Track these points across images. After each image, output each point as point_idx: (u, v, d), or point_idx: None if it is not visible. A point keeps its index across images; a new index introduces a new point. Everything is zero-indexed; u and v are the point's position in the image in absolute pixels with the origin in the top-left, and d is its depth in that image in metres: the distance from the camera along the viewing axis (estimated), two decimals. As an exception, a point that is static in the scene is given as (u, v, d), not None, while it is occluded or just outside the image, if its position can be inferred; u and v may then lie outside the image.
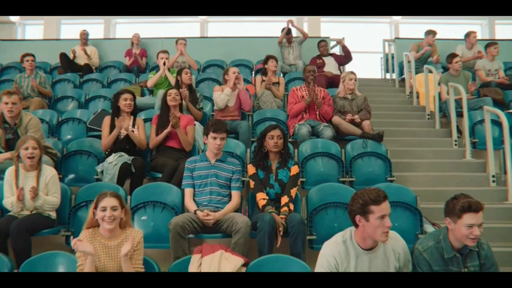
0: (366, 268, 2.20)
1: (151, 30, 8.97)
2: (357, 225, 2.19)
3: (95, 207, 2.56)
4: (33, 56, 5.67)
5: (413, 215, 3.34)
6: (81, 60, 6.93)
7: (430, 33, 6.84)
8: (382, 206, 2.10)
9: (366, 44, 9.53)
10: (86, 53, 6.91)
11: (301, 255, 2.89)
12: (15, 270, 2.72)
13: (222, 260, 2.64)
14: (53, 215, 3.34)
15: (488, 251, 2.32)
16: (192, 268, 2.63)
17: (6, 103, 3.75)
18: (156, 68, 6.60)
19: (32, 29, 9.37)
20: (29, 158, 3.23)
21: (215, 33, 9.30)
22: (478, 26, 9.55)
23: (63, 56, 6.76)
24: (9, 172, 3.28)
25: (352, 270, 2.19)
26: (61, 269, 2.71)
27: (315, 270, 2.30)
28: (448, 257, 2.26)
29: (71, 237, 3.13)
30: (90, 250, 2.43)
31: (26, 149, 3.24)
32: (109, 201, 2.52)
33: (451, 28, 9.15)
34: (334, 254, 2.19)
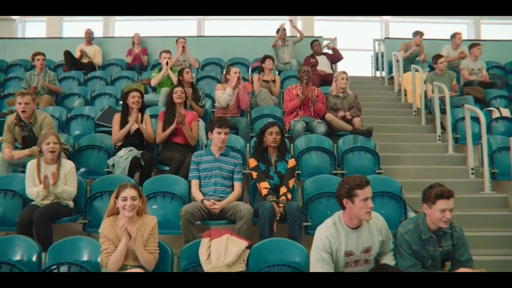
0: (354, 244, 2.57)
1: (150, 28, 9.19)
2: (344, 208, 2.56)
3: (116, 197, 2.87)
4: (43, 55, 5.91)
5: (399, 204, 3.67)
6: (85, 58, 7.19)
7: (418, 34, 7.22)
8: (365, 190, 2.48)
9: (358, 42, 9.83)
10: (86, 54, 7.17)
11: (298, 238, 3.23)
12: (43, 253, 3.04)
13: (228, 243, 2.97)
14: (71, 204, 3.65)
15: (460, 232, 2.69)
16: (202, 250, 2.96)
17: (20, 103, 4.03)
18: (157, 65, 6.90)
19: (32, 25, 9.52)
20: (50, 152, 3.54)
21: (212, 31, 9.53)
22: (464, 25, 9.92)
23: (67, 54, 7.01)
24: (31, 165, 3.58)
25: (343, 247, 2.55)
26: (84, 251, 3.03)
27: (311, 252, 2.65)
28: (426, 237, 2.63)
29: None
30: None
31: (48, 144, 3.54)
32: (129, 192, 2.83)
33: (438, 27, 9.48)
34: (327, 235, 2.55)
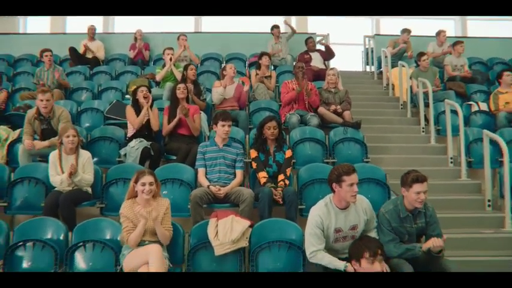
0: (343, 222, 2.99)
1: (148, 24, 9.40)
2: (334, 191, 2.99)
3: (135, 182, 3.26)
4: (51, 51, 6.23)
5: (383, 189, 4.09)
6: (89, 53, 7.53)
7: (405, 31, 7.66)
8: (352, 177, 2.90)
9: (350, 37, 10.18)
10: (89, 49, 7.52)
11: (295, 219, 3.67)
12: (69, 233, 3.44)
13: (233, 222, 3.37)
14: (89, 190, 4.06)
15: (432, 212, 3.13)
16: (210, 229, 3.36)
17: (41, 100, 4.39)
18: (158, 60, 7.28)
19: (34, 21, 9.66)
20: (70, 143, 3.93)
21: (209, 25, 9.78)
22: (451, 21, 10.32)
23: (73, 50, 7.34)
24: (53, 155, 3.97)
25: (333, 225, 2.98)
26: (106, 231, 3.45)
27: (306, 228, 3.06)
28: (403, 216, 3.06)
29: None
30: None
31: (68, 136, 3.92)
32: (147, 179, 3.23)
33: (427, 23, 9.84)
34: (319, 214, 2.98)
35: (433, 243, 2.88)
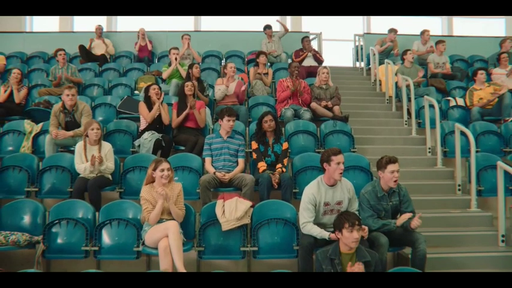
0: (331, 197, 3.60)
1: (150, 22, 9.84)
2: (324, 170, 3.59)
3: (154, 169, 3.81)
4: (64, 50, 6.75)
5: (367, 175, 4.66)
6: (98, 50, 8.04)
7: (392, 31, 8.26)
8: (338, 157, 3.52)
9: (342, 34, 10.69)
10: (104, 42, 8.04)
11: (290, 200, 4.26)
12: (96, 213, 4.01)
13: (237, 203, 3.93)
14: (110, 177, 4.60)
15: (406, 192, 3.73)
16: (218, 208, 3.91)
17: (67, 95, 4.94)
18: (163, 57, 7.81)
19: (39, 19, 10.10)
20: (95, 135, 4.48)
21: (208, 24, 10.27)
22: (438, 19, 10.89)
23: (82, 48, 7.84)
24: (79, 145, 4.52)
25: (323, 199, 3.58)
26: (128, 211, 4.01)
27: (301, 204, 3.64)
28: (380, 195, 3.65)
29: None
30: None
31: (93, 129, 4.47)
32: (165, 165, 3.78)
33: (414, 21, 10.38)
34: (312, 192, 3.58)
35: (412, 224, 3.47)
